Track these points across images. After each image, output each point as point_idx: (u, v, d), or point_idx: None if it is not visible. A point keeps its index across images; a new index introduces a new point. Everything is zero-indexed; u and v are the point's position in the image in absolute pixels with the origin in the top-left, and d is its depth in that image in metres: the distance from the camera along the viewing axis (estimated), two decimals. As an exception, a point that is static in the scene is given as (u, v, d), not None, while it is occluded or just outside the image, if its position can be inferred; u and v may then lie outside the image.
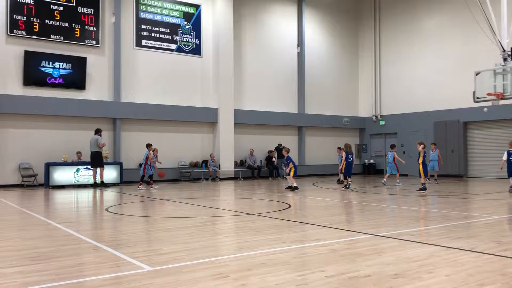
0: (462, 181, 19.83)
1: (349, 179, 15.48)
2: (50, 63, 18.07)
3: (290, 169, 14.98)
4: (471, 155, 22.05)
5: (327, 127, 25.79)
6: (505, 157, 14.25)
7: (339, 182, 18.08)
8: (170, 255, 5.26)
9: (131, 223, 8.24)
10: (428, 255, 5.22)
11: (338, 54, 26.79)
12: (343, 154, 15.75)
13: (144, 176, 16.48)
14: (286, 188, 15.43)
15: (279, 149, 22.35)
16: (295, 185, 14.86)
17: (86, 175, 17.41)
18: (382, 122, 26.08)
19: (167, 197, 13.13)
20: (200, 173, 20.73)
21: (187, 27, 21.27)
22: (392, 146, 17.73)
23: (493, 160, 20.36)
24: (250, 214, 9.15)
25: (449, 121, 22.17)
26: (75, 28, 18.73)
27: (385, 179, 17.47)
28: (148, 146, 16.49)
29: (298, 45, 24.84)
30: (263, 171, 22.67)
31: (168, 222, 8.14)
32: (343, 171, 15.79)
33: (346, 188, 15.34)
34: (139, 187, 16.12)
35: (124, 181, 18.71)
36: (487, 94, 14.91)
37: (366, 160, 26.35)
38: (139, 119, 19.90)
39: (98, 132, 17.18)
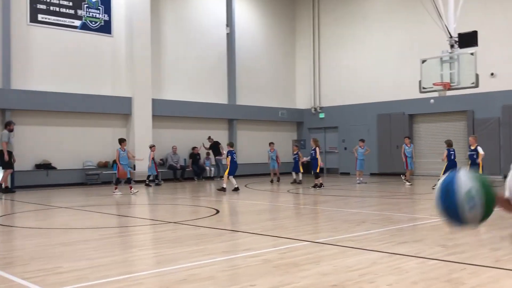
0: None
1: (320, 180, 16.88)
2: None
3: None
4: (417, 150, 23.22)
5: (261, 120, 26.08)
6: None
7: (298, 182, 19.27)
8: (71, 274, 5.10)
9: (23, 236, 7.95)
10: (370, 263, 5.44)
11: (273, 37, 27.12)
12: (317, 149, 17.11)
13: (118, 180, 16.48)
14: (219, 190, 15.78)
15: (214, 145, 22.27)
16: (236, 186, 15.70)
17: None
18: (321, 115, 26.79)
19: (69, 204, 12.70)
20: (111, 175, 20.23)
21: (94, 0, 20.62)
22: (362, 140, 19.69)
23: (440, 156, 21.59)
24: (170, 222, 9.07)
25: (394, 114, 23.23)
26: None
27: (361, 178, 18.94)
28: (121, 141, 15.84)
29: (227, 25, 24.85)
30: (188, 171, 22.51)
31: (70, 235, 7.91)
32: (315, 170, 17.02)
33: (318, 187, 16.56)
34: (119, 192, 15.51)
35: (17, 185, 17.81)
36: (434, 84, 15.78)
37: (304, 158, 26.97)
38: (34, 110, 19.01)
39: (8, 125, 16.50)
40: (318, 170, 16.96)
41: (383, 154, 23.30)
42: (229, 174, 15.69)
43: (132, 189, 15.76)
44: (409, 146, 18.60)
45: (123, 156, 15.65)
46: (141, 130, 21.18)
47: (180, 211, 11.70)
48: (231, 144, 16.66)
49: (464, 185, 2.14)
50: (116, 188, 15.69)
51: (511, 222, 8.57)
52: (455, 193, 2.14)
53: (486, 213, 2.15)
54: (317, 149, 17.18)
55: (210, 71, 24.29)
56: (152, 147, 19.20)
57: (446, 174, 2.22)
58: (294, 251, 6.20)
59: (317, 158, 17.00)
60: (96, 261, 5.74)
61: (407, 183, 17.56)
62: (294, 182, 19.46)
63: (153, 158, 19.16)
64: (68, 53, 19.97)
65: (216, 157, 22.55)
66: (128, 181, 16.15)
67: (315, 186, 16.70)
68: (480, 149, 14.73)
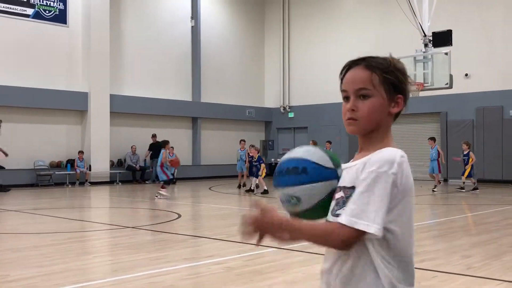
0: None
1: None
2: None
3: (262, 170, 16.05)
4: (389, 153, 23.68)
5: (228, 119, 26.06)
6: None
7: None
8: (19, 283, 5.01)
9: (-34, 242, 7.74)
10: (338, 270, 5.50)
11: (241, 32, 27.16)
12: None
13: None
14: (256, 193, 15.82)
15: (156, 145, 21.62)
16: (265, 188, 15.59)
17: None
18: (291, 114, 26.96)
19: (18, 207, 12.46)
20: (64, 176, 19.91)
21: (48, -13, 20.24)
22: (329, 142, 19.71)
23: (412, 159, 22.04)
24: (128, 227, 9.00)
25: (366, 115, 23.56)
26: None
27: None
28: (165, 144, 15.19)
29: (192, 18, 24.76)
30: (148, 173, 22.32)
31: (19, 240, 7.77)
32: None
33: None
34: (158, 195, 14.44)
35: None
36: (407, 84, 16.07)
37: (272, 159, 27.11)
38: (-20, 105, 18.56)
39: None
40: None
41: (354, 156, 23.60)
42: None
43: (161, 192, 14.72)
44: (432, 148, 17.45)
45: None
46: (98, 127, 20.89)
47: (139, 215, 11.61)
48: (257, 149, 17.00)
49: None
50: (164, 188, 14.59)
51: (483, 228, 8.84)
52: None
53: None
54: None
55: (173, 66, 24.15)
56: (166, 144, 16.63)
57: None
58: (260, 258, 6.24)
59: None
60: (48, 268, 5.65)
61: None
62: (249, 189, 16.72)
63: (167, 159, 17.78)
64: (19, 44, 19.54)
65: (157, 159, 21.48)
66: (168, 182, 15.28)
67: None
68: (471, 154, 16.07)
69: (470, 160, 15.98)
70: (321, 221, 1.76)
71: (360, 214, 1.61)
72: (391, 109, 1.75)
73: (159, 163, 14.91)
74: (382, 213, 1.61)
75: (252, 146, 17.21)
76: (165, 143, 15.33)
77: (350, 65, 1.81)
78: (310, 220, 1.75)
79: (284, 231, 1.68)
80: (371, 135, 1.77)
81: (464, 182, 16.14)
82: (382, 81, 1.73)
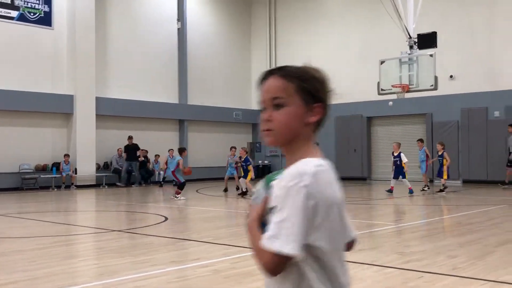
0: (365, 185, 21.33)
1: None
2: None
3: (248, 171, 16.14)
4: (374, 154, 23.77)
5: (215, 121, 26.02)
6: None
7: None
8: (5, 287, 4.97)
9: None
10: (325, 272, 5.52)
11: (228, 34, 27.13)
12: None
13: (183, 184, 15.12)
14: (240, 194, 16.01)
15: (132, 148, 21.53)
16: (245, 190, 15.87)
17: None
18: (278, 116, 26.99)
19: (3, 211, 12.33)
20: (50, 179, 19.76)
21: (32, -11, 20.10)
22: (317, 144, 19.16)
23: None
24: (114, 230, 8.95)
25: (352, 116, 23.67)
26: None
27: None
28: (182, 151, 15.46)
29: (178, 20, 24.70)
30: (134, 176, 22.20)
31: (3, 244, 7.70)
32: None
33: None
34: (176, 197, 14.77)
35: None
36: (392, 86, 16.20)
37: (260, 161, 27.13)
38: (-36, 108, 18.37)
39: None
40: None
41: (341, 157, 23.70)
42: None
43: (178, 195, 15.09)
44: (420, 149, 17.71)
45: (171, 163, 16.03)
46: (84, 130, 20.76)
47: (125, 218, 11.55)
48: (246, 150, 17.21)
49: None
50: (179, 193, 14.91)
51: (468, 228, 8.92)
52: None
53: None
54: None
55: (159, 69, 24.07)
56: (183, 151, 16.37)
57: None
58: (247, 260, 6.23)
59: None
60: (33, 273, 5.61)
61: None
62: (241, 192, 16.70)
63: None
64: (3, 47, 19.38)
65: (133, 162, 21.56)
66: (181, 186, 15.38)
67: None
68: (445, 154, 15.94)
69: (445, 161, 15.94)
70: None
71: (275, 235, 1.53)
72: (308, 118, 1.69)
73: (172, 168, 15.24)
74: (297, 230, 1.52)
75: (242, 148, 17.72)
76: (182, 151, 15.72)
77: (266, 75, 1.75)
78: None
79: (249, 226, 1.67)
80: (291, 146, 1.69)
81: (443, 184, 16.07)
82: (298, 90, 1.68)
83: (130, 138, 21.78)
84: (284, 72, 1.72)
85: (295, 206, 1.52)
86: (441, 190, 15.76)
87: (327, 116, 1.75)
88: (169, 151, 18.62)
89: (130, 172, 21.75)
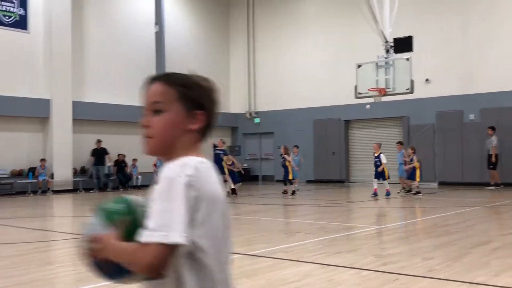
0: (343, 187, 21.52)
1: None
2: None
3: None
4: (352, 157, 24.01)
5: (192, 125, 26.02)
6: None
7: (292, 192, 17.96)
8: (-19, 296, 4.94)
9: None
10: (303, 275, 5.61)
11: (206, 38, 27.14)
12: (286, 157, 17.81)
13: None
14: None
15: (100, 151, 21.32)
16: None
17: None
18: (257, 120, 27.05)
19: (-22, 217, 12.17)
20: (26, 184, 19.53)
21: (7, -9, 19.88)
22: (297, 147, 20.01)
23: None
24: (93, 236, 8.87)
25: (329, 120, 23.88)
26: None
27: (296, 185, 18.77)
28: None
29: (156, 23, 24.65)
30: (112, 180, 22.05)
31: (-20, 252, 7.62)
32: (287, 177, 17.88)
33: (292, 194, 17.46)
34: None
35: None
36: (369, 90, 16.41)
37: (239, 165, 27.14)
38: None
39: None
40: (290, 177, 17.80)
41: (320, 160, 23.88)
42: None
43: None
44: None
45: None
46: (60, 135, 20.57)
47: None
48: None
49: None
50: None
51: (444, 230, 9.08)
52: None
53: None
54: (286, 156, 17.85)
55: (137, 72, 23.89)
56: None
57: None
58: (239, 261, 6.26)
59: (287, 166, 17.71)
60: (11, 279, 5.58)
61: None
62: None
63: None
64: (-23, 50, 19.14)
65: (100, 166, 21.38)
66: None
67: (293, 192, 17.51)
68: (415, 158, 15.99)
69: (416, 164, 15.90)
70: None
71: (158, 226, 1.44)
72: (189, 125, 1.66)
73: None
74: (181, 218, 1.45)
75: (221, 139, 18.47)
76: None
77: (150, 81, 1.71)
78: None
79: (106, 251, 1.59)
80: (171, 155, 1.63)
81: (418, 186, 16.14)
82: (180, 97, 1.65)
83: (99, 141, 21.45)
84: (167, 78, 1.70)
85: (176, 195, 1.47)
86: (417, 192, 15.96)
87: (212, 125, 1.75)
88: None
89: (99, 177, 21.42)
